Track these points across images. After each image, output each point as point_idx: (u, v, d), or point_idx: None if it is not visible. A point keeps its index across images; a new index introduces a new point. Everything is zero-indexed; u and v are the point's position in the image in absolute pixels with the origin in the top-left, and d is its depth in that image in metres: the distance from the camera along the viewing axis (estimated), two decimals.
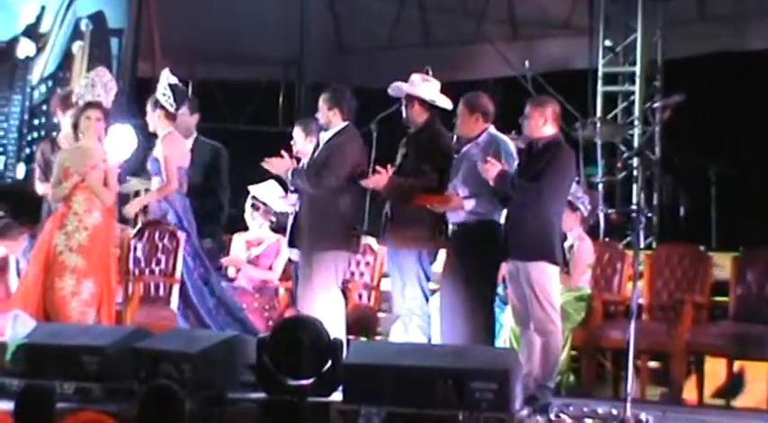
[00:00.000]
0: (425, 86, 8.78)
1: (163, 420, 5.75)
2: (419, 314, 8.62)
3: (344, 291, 9.16)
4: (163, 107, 9.58)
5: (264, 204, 10.30)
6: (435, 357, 7.70)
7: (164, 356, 8.08)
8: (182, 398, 5.93)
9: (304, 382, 7.83)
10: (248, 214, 10.56)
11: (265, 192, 10.23)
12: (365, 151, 8.97)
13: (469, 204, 8.28)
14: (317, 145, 9.05)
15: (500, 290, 9.14)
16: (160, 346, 8.27)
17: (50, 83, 12.89)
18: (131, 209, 9.88)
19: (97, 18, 12.88)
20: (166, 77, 9.65)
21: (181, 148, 9.71)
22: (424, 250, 8.65)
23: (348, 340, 8.24)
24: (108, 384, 8.19)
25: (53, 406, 5.95)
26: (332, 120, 8.87)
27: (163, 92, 9.57)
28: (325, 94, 8.98)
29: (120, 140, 11.78)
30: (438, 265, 8.82)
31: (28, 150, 12.63)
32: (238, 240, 10.62)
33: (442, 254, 8.72)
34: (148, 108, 9.66)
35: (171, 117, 9.65)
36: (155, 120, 9.62)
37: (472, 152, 8.43)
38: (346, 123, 8.87)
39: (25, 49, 12.97)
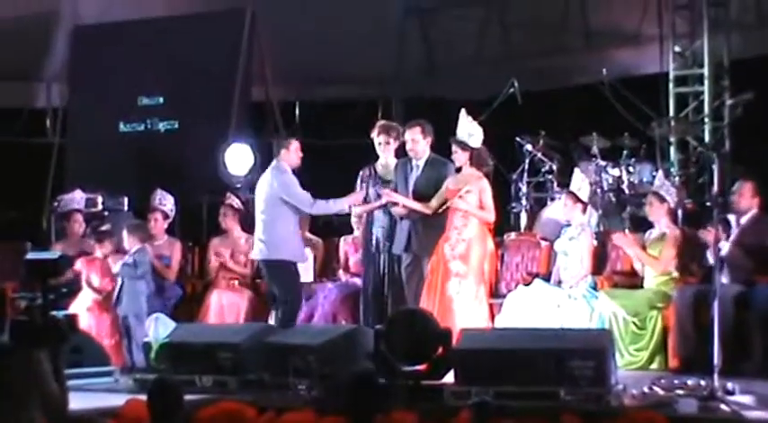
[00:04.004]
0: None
1: (367, 404, 5.73)
2: None
3: None
4: None
5: None
6: (537, 340, 7.85)
7: (291, 350, 8.29)
8: (384, 384, 5.97)
9: (418, 367, 8.00)
10: (354, 219, 10.67)
11: None
12: None
13: None
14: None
15: (591, 281, 9.29)
16: (288, 341, 8.50)
17: None
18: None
19: None
20: None
21: None
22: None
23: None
24: (242, 377, 8.41)
25: (180, 398, 6.01)
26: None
27: None
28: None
29: (240, 159, 12.12)
30: None
31: None
32: (345, 243, 10.78)
33: None
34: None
35: None
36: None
37: None
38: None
39: None
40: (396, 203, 9.47)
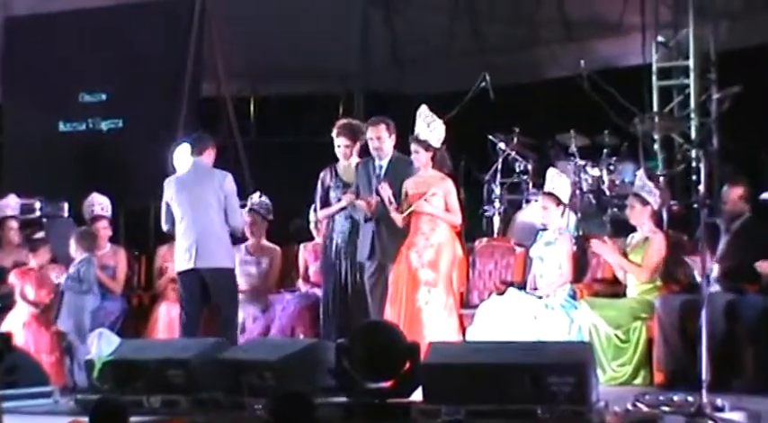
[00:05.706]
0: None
1: None
2: None
3: None
4: None
5: None
6: (512, 354, 7.83)
7: (246, 366, 8.25)
8: (313, 403, 6.01)
9: (384, 384, 7.96)
10: (313, 225, 10.63)
11: None
12: None
13: None
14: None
15: (570, 289, 9.28)
16: (242, 357, 8.46)
17: None
18: None
19: None
20: None
21: None
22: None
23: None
24: (193, 396, 8.33)
25: (126, 420, 6.01)
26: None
27: None
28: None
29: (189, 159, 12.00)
30: None
31: None
32: (305, 251, 10.73)
33: None
34: None
35: None
36: None
37: None
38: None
39: None
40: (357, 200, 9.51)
